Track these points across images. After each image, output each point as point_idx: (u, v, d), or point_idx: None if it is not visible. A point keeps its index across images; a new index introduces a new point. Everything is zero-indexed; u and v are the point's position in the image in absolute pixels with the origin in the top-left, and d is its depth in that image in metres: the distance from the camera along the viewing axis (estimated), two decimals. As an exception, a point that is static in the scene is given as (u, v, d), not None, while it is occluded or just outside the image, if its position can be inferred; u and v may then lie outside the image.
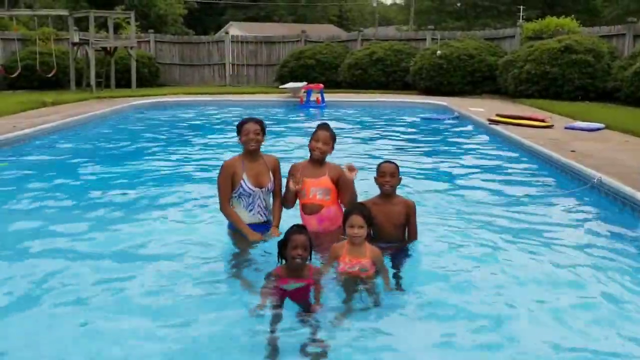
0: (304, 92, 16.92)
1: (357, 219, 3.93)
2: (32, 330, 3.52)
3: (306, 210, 4.71)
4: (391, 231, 4.49)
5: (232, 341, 3.38)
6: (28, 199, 6.41)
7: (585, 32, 18.27)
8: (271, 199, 4.87)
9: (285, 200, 4.78)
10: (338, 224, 4.43)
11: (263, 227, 4.76)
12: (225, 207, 4.71)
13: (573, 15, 20.33)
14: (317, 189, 4.64)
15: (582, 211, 6.05)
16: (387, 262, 4.32)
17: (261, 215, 4.77)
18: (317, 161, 4.70)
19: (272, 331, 3.42)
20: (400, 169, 4.59)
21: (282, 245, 3.79)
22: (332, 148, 4.76)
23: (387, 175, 4.46)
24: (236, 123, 4.82)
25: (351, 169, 4.52)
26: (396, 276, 4.19)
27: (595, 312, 3.74)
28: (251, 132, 4.64)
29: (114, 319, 3.61)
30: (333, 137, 4.73)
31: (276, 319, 3.55)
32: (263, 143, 4.77)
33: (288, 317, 3.57)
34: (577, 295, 3.99)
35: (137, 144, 10.65)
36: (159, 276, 4.26)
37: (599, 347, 3.35)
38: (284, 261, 3.83)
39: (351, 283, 3.88)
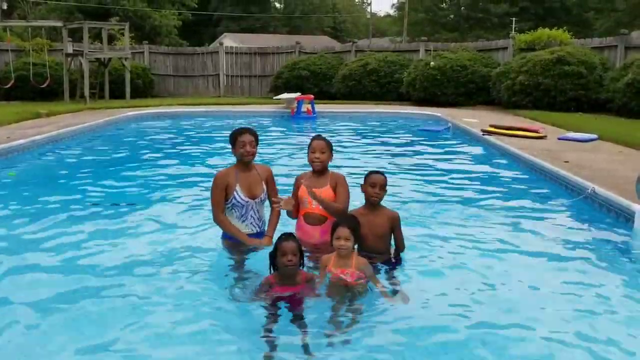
0: (296, 103, 16.95)
1: (343, 231, 3.96)
2: (24, 337, 3.51)
3: (308, 220, 4.69)
4: (374, 242, 4.46)
5: (226, 349, 3.38)
6: (22, 208, 6.38)
7: (577, 43, 18.43)
8: (264, 209, 4.87)
9: (287, 212, 4.81)
10: None
11: (256, 238, 4.75)
12: (218, 216, 4.70)
13: (565, 27, 20.52)
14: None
15: (576, 222, 6.06)
16: (377, 273, 4.34)
17: (254, 226, 4.76)
18: (319, 171, 4.69)
19: (269, 333, 3.46)
20: (393, 179, 4.59)
21: (273, 256, 3.84)
22: (331, 155, 4.73)
23: (377, 187, 4.44)
24: (229, 134, 4.80)
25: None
26: (389, 284, 4.20)
27: (590, 321, 3.73)
28: (247, 144, 4.62)
29: (104, 329, 3.59)
30: (329, 145, 4.71)
31: (272, 322, 3.59)
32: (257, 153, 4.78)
33: (283, 323, 3.60)
34: (571, 306, 3.98)
35: (131, 154, 10.63)
36: (151, 286, 4.23)
37: (595, 355, 3.35)
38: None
39: (338, 291, 3.91)
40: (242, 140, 4.63)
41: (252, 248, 4.66)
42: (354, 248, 4.13)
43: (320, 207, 4.59)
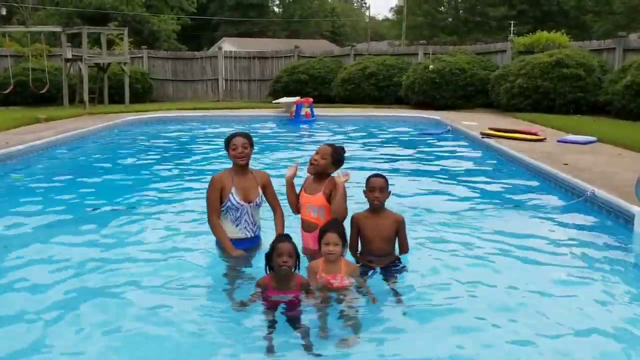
0: (295, 107, 16.97)
1: (332, 237, 3.97)
2: (22, 335, 3.54)
3: (303, 226, 4.71)
4: (380, 245, 4.49)
5: (222, 351, 3.39)
6: (20, 212, 6.38)
7: (575, 46, 18.46)
8: (259, 214, 4.87)
9: (289, 202, 4.78)
10: None
11: (250, 243, 4.76)
12: (212, 220, 4.71)
13: (563, 30, 20.53)
14: (311, 206, 4.62)
15: (576, 224, 6.05)
16: (379, 275, 4.34)
17: (248, 231, 4.76)
18: (317, 176, 4.66)
19: (268, 338, 3.45)
20: (392, 183, 4.60)
21: (269, 256, 3.85)
22: (333, 165, 4.61)
23: (377, 191, 4.45)
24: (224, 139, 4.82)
25: (344, 174, 4.49)
26: (390, 289, 4.19)
27: (591, 323, 3.72)
28: (239, 146, 4.64)
29: (102, 332, 3.58)
30: (334, 155, 4.59)
31: (270, 325, 3.59)
32: (251, 157, 4.78)
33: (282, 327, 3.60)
34: (571, 309, 3.97)
35: (130, 159, 10.62)
36: (147, 289, 4.24)
37: (595, 357, 3.34)
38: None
39: (329, 296, 3.90)
40: (235, 143, 4.66)
41: (250, 252, 4.67)
42: (358, 255, 4.10)
43: (317, 216, 4.56)
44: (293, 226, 4.89)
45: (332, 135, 13.16)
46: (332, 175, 4.62)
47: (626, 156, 9.45)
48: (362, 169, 8.71)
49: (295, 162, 4.79)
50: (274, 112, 18.23)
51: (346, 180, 4.49)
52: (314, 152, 4.68)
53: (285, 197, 4.82)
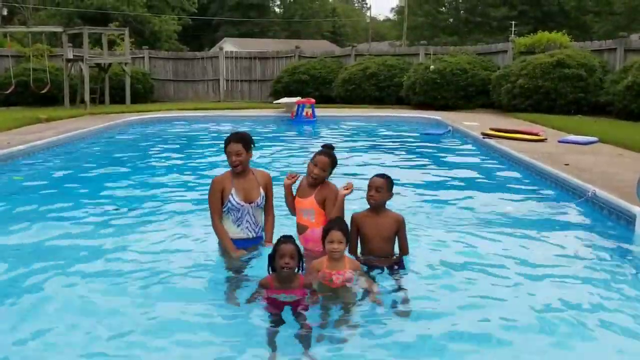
0: (296, 107, 16.97)
1: (336, 234, 3.98)
2: (23, 334, 3.55)
3: (297, 229, 4.76)
4: (380, 244, 4.49)
5: (224, 351, 3.39)
6: (21, 213, 6.39)
7: (576, 46, 18.45)
8: (262, 214, 4.86)
9: (287, 206, 4.81)
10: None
11: (252, 243, 4.77)
12: (214, 221, 4.73)
13: (564, 31, 20.52)
14: (303, 209, 4.66)
15: (576, 225, 6.05)
16: (380, 276, 4.34)
17: (249, 231, 4.76)
18: (314, 185, 4.67)
19: (271, 338, 3.45)
20: (393, 183, 4.59)
21: (272, 257, 3.85)
22: (330, 173, 4.66)
23: (372, 190, 4.47)
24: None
25: (347, 187, 4.51)
26: (391, 290, 4.19)
27: (591, 325, 3.72)
28: (232, 154, 4.63)
29: (102, 332, 3.58)
30: (332, 164, 4.62)
31: (273, 325, 3.59)
32: (251, 157, 4.76)
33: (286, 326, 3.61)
34: (571, 309, 3.96)
35: (131, 160, 10.63)
36: (150, 289, 4.25)
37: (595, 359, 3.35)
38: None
39: (331, 293, 3.92)
40: (228, 151, 4.66)
41: (251, 253, 4.67)
42: (359, 254, 4.10)
43: (308, 218, 4.60)
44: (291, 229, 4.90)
45: (332, 136, 13.17)
46: (333, 185, 4.65)
47: (627, 157, 9.45)
48: (361, 169, 8.72)
49: (295, 174, 4.75)
50: (275, 112, 18.22)
51: (349, 193, 4.51)
52: (312, 157, 4.66)
53: (282, 198, 4.85)
